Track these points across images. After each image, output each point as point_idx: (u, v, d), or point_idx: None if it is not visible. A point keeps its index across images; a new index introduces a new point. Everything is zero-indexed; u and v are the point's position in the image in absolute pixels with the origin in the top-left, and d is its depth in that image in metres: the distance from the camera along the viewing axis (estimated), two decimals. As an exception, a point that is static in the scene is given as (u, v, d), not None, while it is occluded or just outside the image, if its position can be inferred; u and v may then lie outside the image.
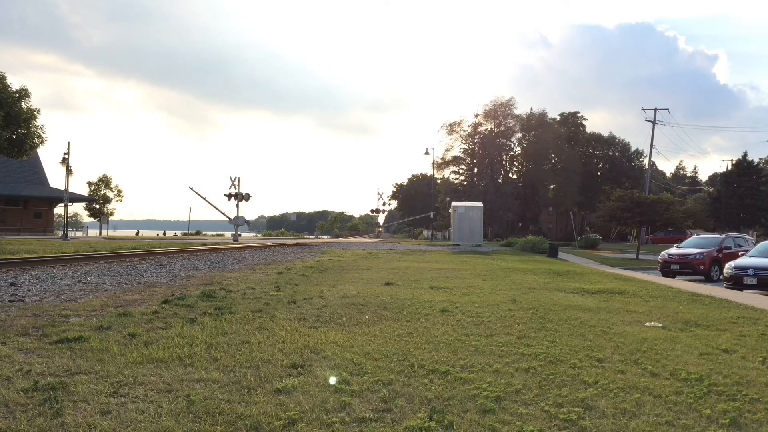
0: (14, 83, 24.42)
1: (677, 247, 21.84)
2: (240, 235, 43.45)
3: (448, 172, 75.21)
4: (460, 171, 74.07)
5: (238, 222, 42.13)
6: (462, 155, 73.24)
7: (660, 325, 7.31)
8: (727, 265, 15.89)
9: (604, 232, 65.01)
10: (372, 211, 75.47)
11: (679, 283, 14.77)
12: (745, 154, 60.73)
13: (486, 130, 72.07)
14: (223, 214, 44.65)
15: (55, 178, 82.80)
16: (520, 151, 74.42)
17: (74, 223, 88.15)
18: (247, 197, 42.08)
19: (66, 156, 41.74)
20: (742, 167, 59.75)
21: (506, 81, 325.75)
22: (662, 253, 21.32)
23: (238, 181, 41.42)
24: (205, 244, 29.87)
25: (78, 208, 79.69)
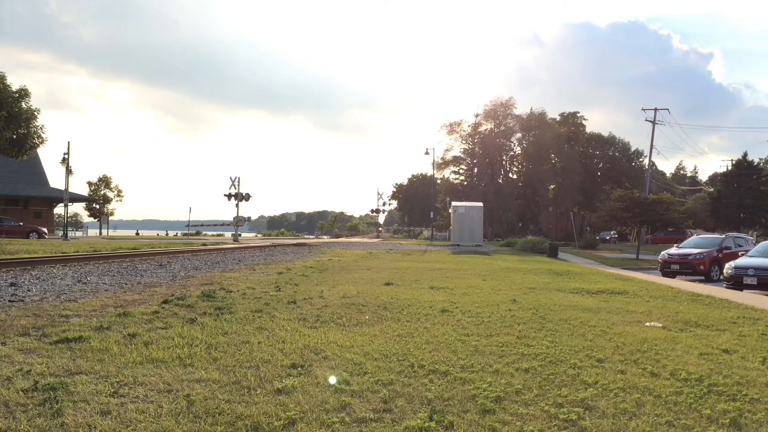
0: (13, 83, 24.45)
1: (677, 247, 21.85)
2: (240, 235, 43.46)
3: (448, 172, 75.28)
4: (460, 171, 74.10)
5: (239, 221, 42.14)
6: (462, 155, 73.28)
7: (660, 325, 7.31)
8: (727, 265, 15.89)
9: (604, 232, 65.21)
10: (372, 211, 75.50)
11: (679, 283, 14.77)
12: (745, 154, 60.61)
13: (486, 130, 72.08)
14: (228, 224, 44.98)
15: (55, 178, 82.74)
16: (520, 151, 74.38)
17: (74, 223, 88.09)
18: (247, 197, 42.07)
19: (66, 156, 41.73)
20: (742, 167, 59.62)
21: (503, 80, 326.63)
22: (662, 253, 21.33)
23: (238, 181, 41.44)
24: (205, 244, 29.87)
25: (78, 208, 79.69)
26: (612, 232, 66.19)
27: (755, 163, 61.55)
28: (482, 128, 71.99)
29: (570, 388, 4.32)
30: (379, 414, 3.66)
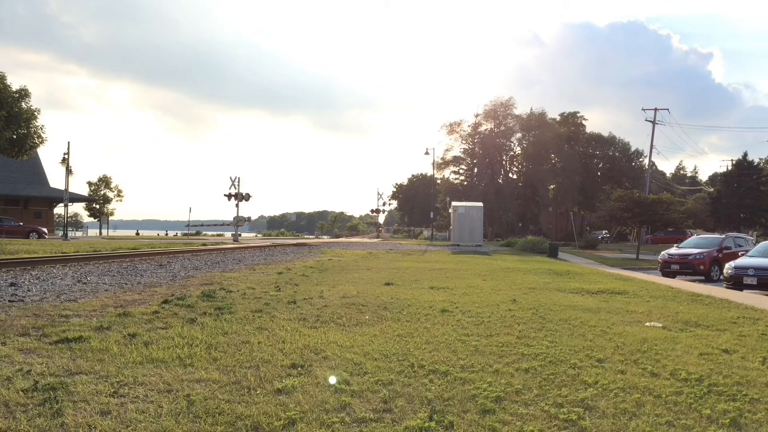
0: (13, 83, 24.48)
1: (677, 247, 21.85)
2: (240, 235, 43.46)
3: (448, 172, 75.28)
4: (460, 171, 74.10)
5: (239, 221, 42.14)
6: (462, 155, 73.29)
7: (660, 325, 7.31)
8: (727, 265, 15.89)
9: (596, 231, 65.29)
10: (372, 211, 75.53)
11: (679, 283, 14.77)
12: (745, 154, 60.55)
13: (486, 130, 72.07)
14: (228, 224, 45.12)
15: (55, 178, 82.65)
16: (520, 151, 74.34)
17: (74, 223, 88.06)
18: (247, 197, 42.07)
19: (66, 156, 41.78)
20: (742, 167, 59.57)
21: (503, 80, 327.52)
22: (662, 253, 21.33)
23: (238, 181, 41.44)
24: (205, 245, 29.86)
25: (78, 208, 79.65)
26: (604, 232, 66.40)
27: (755, 163, 61.53)
28: (482, 128, 72.00)
29: (570, 388, 4.32)
30: (379, 414, 3.66)
